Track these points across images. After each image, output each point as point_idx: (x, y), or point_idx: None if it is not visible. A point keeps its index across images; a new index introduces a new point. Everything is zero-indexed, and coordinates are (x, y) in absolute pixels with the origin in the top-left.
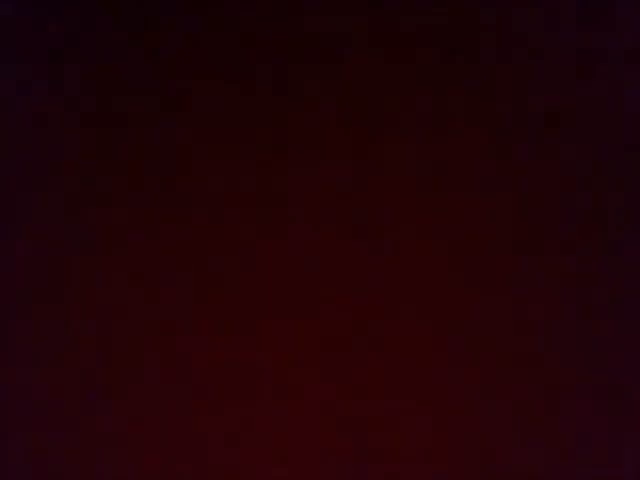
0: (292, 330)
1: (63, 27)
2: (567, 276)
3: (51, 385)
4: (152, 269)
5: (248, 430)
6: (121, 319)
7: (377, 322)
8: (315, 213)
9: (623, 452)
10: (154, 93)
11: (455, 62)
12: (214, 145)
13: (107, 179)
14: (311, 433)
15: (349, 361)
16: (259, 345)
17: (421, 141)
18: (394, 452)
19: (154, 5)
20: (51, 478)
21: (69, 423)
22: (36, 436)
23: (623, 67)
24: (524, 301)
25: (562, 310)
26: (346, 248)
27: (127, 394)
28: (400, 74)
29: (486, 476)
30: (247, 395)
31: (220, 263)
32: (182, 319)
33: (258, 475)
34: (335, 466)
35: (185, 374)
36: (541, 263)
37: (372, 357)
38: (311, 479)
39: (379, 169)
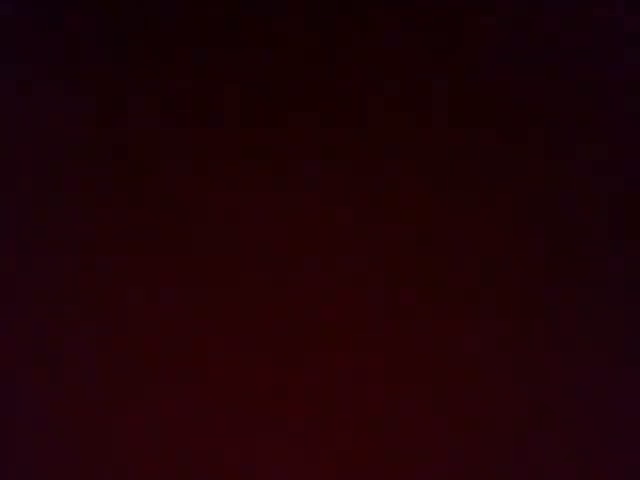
0: (292, 331)
1: (63, 27)
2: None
3: (51, 385)
4: (152, 269)
5: (249, 430)
6: (121, 319)
7: (379, 322)
8: (315, 212)
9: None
10: (154, 93)
11: (457, 61)
12: (215, 145)
13: (107, 179)
14: (312, 434)
15: (350, 364)
16: (259, 344)
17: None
18: (396, 453)
19: (154, 5)
20: (51, 478)
21: (69, 423)
22: (36, 435)
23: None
24: (524, 309)
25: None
26: (348, 249)
27: (127, 394)
28: (400, 73)
29: (486, 477)
30: (248, 395)
31: (220, 263)
32: (183, 318)
33: (258, 475)
34: (336, 467)
35: (186, 374)
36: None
37: (373, 356)
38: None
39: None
